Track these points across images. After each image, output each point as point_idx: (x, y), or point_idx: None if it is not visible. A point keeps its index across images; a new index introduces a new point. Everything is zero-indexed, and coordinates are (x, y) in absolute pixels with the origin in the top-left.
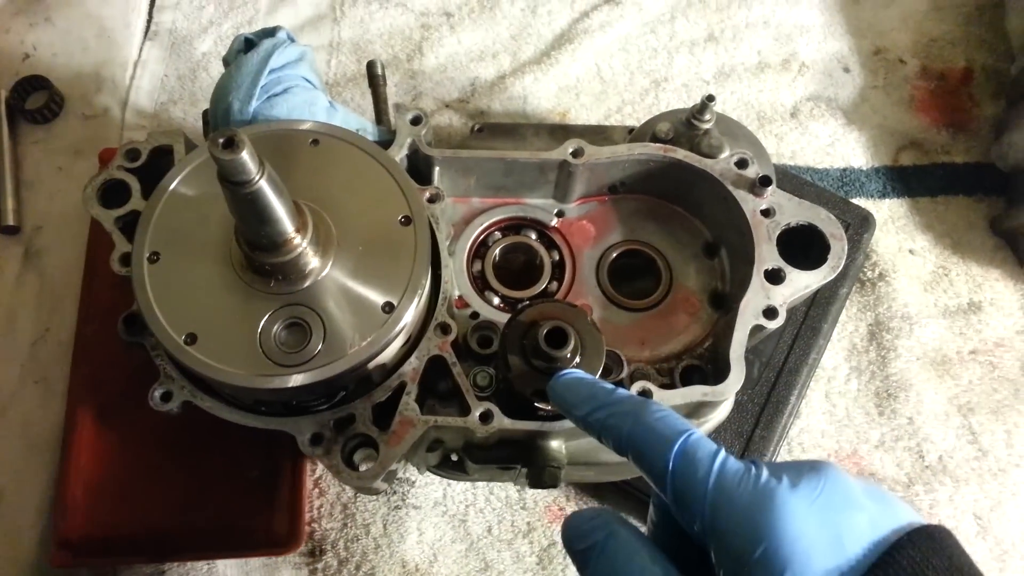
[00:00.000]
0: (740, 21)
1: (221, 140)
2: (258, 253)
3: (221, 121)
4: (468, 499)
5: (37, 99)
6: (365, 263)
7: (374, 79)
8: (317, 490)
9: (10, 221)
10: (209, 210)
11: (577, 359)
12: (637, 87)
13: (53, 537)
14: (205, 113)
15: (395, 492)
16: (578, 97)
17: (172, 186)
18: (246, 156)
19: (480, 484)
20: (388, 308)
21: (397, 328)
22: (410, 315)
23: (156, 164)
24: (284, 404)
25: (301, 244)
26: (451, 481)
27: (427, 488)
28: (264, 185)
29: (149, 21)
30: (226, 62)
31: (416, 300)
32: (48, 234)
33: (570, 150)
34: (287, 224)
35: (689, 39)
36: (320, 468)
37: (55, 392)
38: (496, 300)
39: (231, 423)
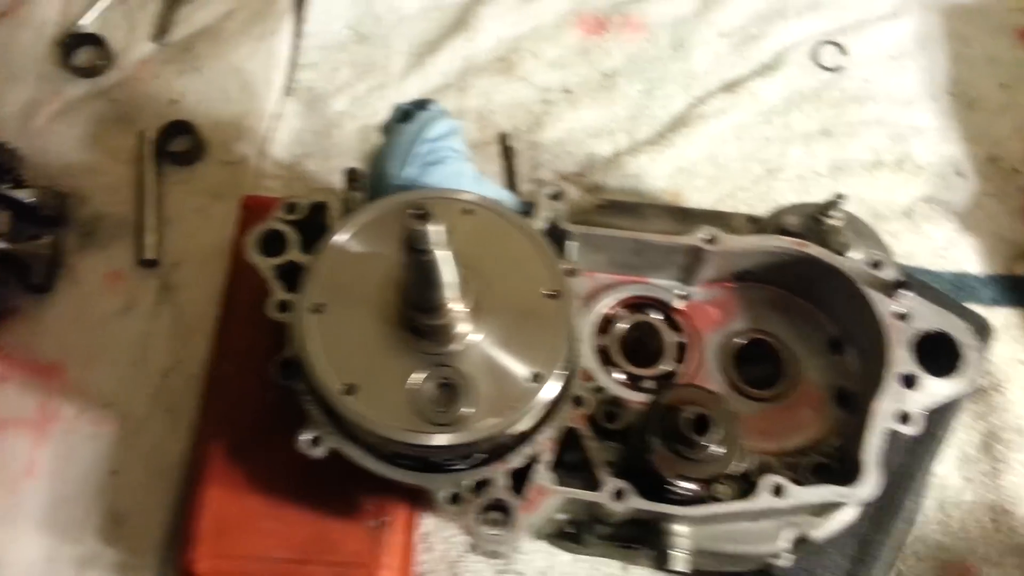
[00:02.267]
0: (854, 118)
1: (416, 212)
2: (419, 314)
3: (377, 183)
4: (573, 571)
5: (181, 143)
6: (513, 332)
7: (508, 151)
8: (424, 545)
9: (151, 255)
10: (371, 267)
11: (720, 448)
12: (750, 174)
13: (179, 565)
14: (350, 172)
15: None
16: (691, 179)
17: (337, 242)
18: (436, 228)
19: (586, 558)
20: (535, 379)
21: (543, 399)
22: (555, 387)
23: (313, 218)
24: (422, 460)
25: (458, 309)
26: (559, 551)
27: (534, 555)
28: (443, 254)
29: (289, 78)
30: (385, 129)
31: (561, 373)
32: (185, 271)
33: (705, 236)
34: (452, 290)
35: (803, 131)
36: (427, 525)
37: (182, 423)
38: (619, 375)
39: (358, 470)
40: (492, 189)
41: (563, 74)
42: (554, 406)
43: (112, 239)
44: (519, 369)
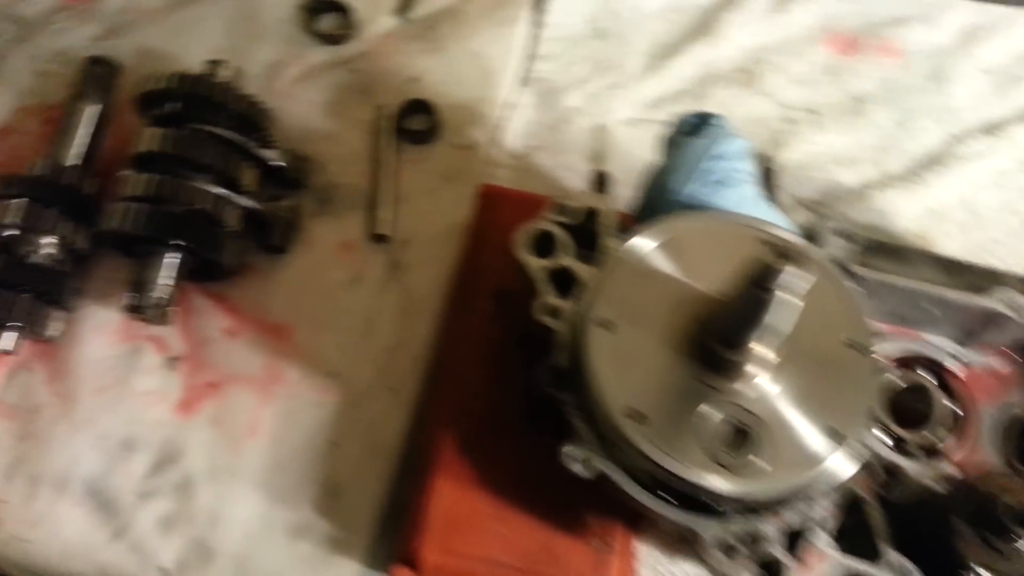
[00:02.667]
0: None
1: (779, 249)
2: (721, 347)
3: (655, 195)
4: None
5: (419, 121)
6: (812, 381)
7: (769, 174)
8: None
9: (384, 231)
10: (661, 287)
11: None
12: (1007, 226)
13: (400, 551)
14: (599, 175)
15: None
16: (941, 223)
17: (627, 256)
18: (798, 274)
19: None
20: (832, 435)
21: (842, 459)
22: (854, 447)
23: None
24: (689, 498)
25: (765, 353)
26: None
27: None
28: (787, 300)
29: (525, 68)
30: (669, 140)
31: (864, 433)
32: (414, 250)
33: (1009, 302)
34: (774, 337)
35: None
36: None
37: (403, 402)
38: (885, 437)
39: (587, 485)
40: (779, 218)
41: (808, 92)
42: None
43: (345, 209)
44: (816, 423)
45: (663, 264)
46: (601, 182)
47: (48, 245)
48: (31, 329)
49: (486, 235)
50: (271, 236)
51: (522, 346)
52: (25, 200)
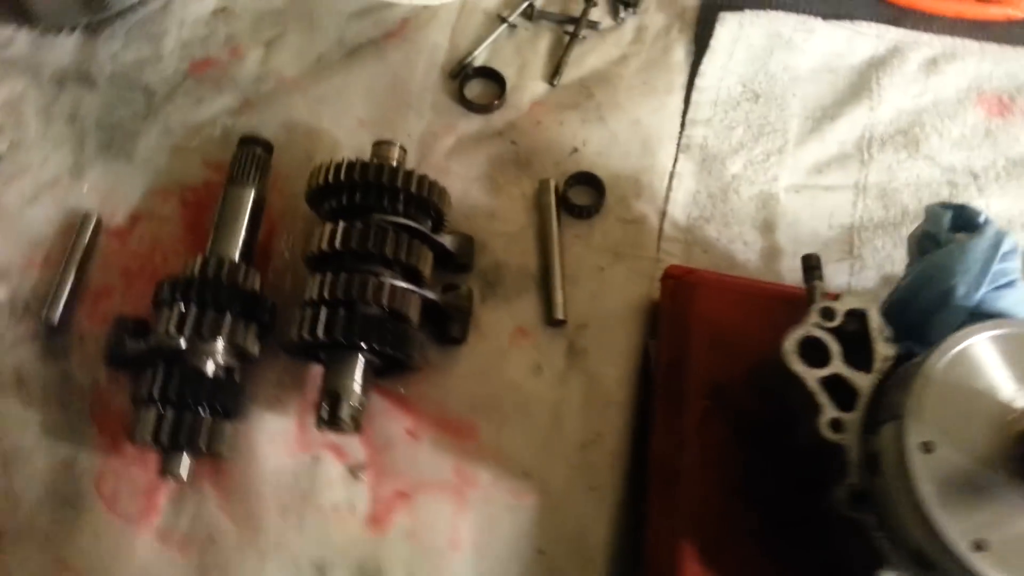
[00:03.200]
0: None
1: None
2: None
3: (937, 301)
4: None
5: (583, 195)
6: None
7: (809, 271)
8: None
9: (560, 315)
10: (981, 404)
11: None
12: None
13: None
14: (806, 258)
15: None
16: None
17: (934, 370)
18: None
19: None
20: None
21: None
22: None
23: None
24: None
25: None
26: None
27: None
28: None
29: (681, 133)
30: (930, 236)
31: None
32: (591, 334)
33: None
34: None
35: None
36: None
37: (606, 503)
38: None
39: None
40: None
41: (968, 156)
42: None
43: (515, 292)
44: None
45: (979, 377)
46: (813, 267)
47: (219, 353)
48: (206, 449)
49: (683, 323)
50: (450, 328)
51: (745, 446)
52: (194, 307)
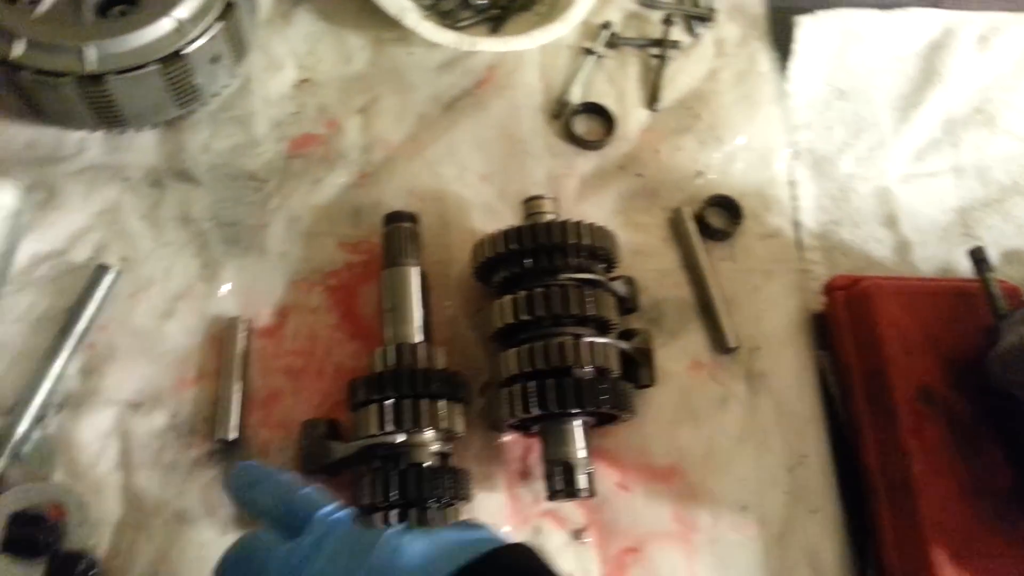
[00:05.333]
0: None
1: None
2: None
3: None
4: None
5: (718, 217)
6: None
7: (980, 266)
8: None
9: (733, 343)
10: None
11: None
12: None
13: None
14: (973, 252)
15: None
16: None
17: None
18: None
19: None
20: None
21: None
22: None
23: None
24: None
25: None
26: None
27: None
28: None
29: (789, 141)
30: None
31: None
32: (765, 356)
33: None
34: None
35: None
36: None
37: (830, 523)
38: None
39: None
40: None
41: None
42: None
43: (679, 326)
44: None
45: None
46: (981, 260)
47: (433, 441)
48: None
49: (871, 332)
50: (639, 374)
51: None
52: (403, 400)
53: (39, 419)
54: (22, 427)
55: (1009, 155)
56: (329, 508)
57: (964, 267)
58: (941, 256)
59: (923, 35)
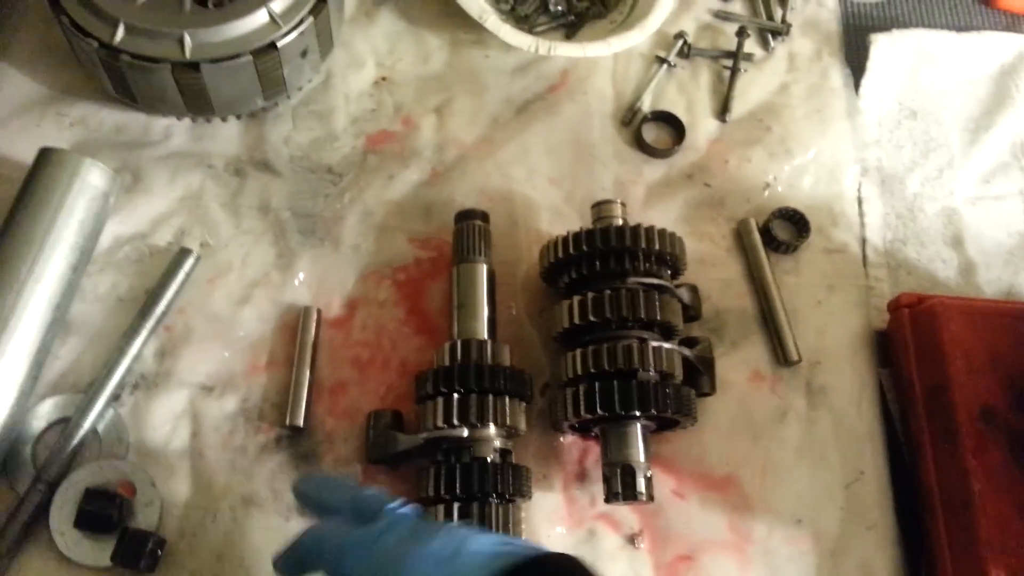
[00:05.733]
0: None
1: None
2: None
3: None
4: None
5: (785, 230)
6: None
7: None
8: None
9: (794, 356)
10: None
11: None
12: None
13: None
14: None
15: None
16: None
17: None
18: None
19: None
20: None
21: None
22: None
23: None
24: None
25: None
26: None
27: None
28: None
29: (859, 157)
30: None
31: None
32: (826, 370)
33: None
34: None
35: None
36: None
37: (885, 541)
38: None
39: None
40: None
41: None
42: None
43: (740, 336)
44: None
45: None
46: None
47: (496, 437)
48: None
49: (935, 350)
50: (700, 382)
51: None
52: (469, 394)
53: (115, 398)
54: (98, 405)
55: None
56: (397, 503)
57: None
58: (1006, 279)
59: (996, 59)
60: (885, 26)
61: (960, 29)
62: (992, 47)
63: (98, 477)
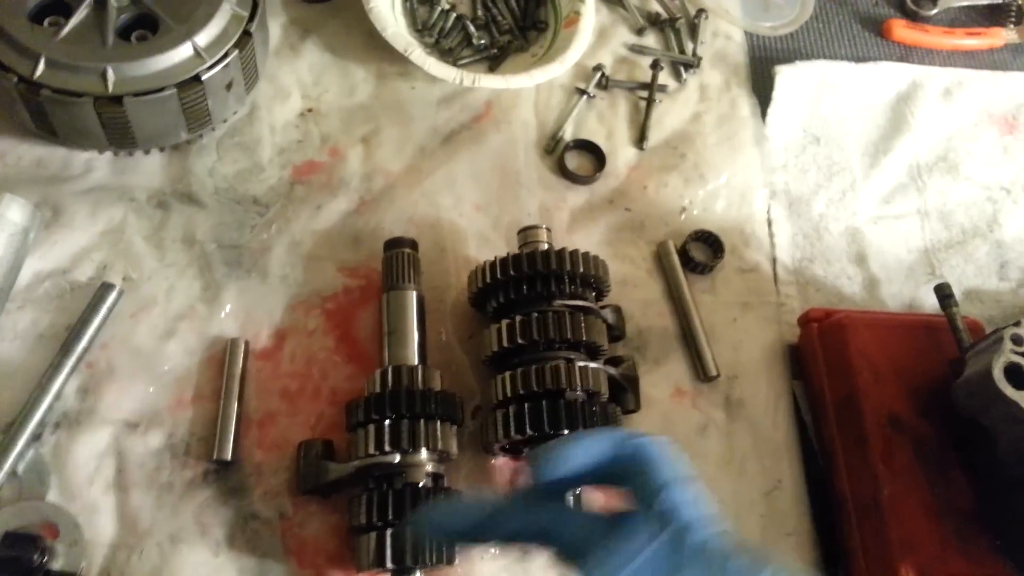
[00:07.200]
0: None
1: None
2: None
3: None
4: None
5: (701, 251)
6: None
7: (946, 302)
8: None
9: (713, 372)
10: None
11: None
12: None
13: None
14: (939, 288)
15: None
16: None
17: None
18: None
19: None
20: None
21: None
22: None
23: None
24: None
25: None
26: None
27: None
28: None
29: (766, 181)
30: None
31: None
32: (742, 385)
33: None
34: None
35: None
36: None
37: (804, 546)
38: None
39: None
40: None
41: (995, 173)
42: None
43: (662, 354)
44: None
45: None
46: (947, 296)
47: (427, 462)
48: (435, 561)
49: (843, 362)
50: (625, 399)
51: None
52: (400, 420)
53: (36, 437)
54: (19, 445)
55: (970, 200)
56: None
57: (929, 303)
58: (907, 293)
59: (892, 87)
60: (789, 58)
61: (859, 60)
62: (888, 76)
63: (18, 519)
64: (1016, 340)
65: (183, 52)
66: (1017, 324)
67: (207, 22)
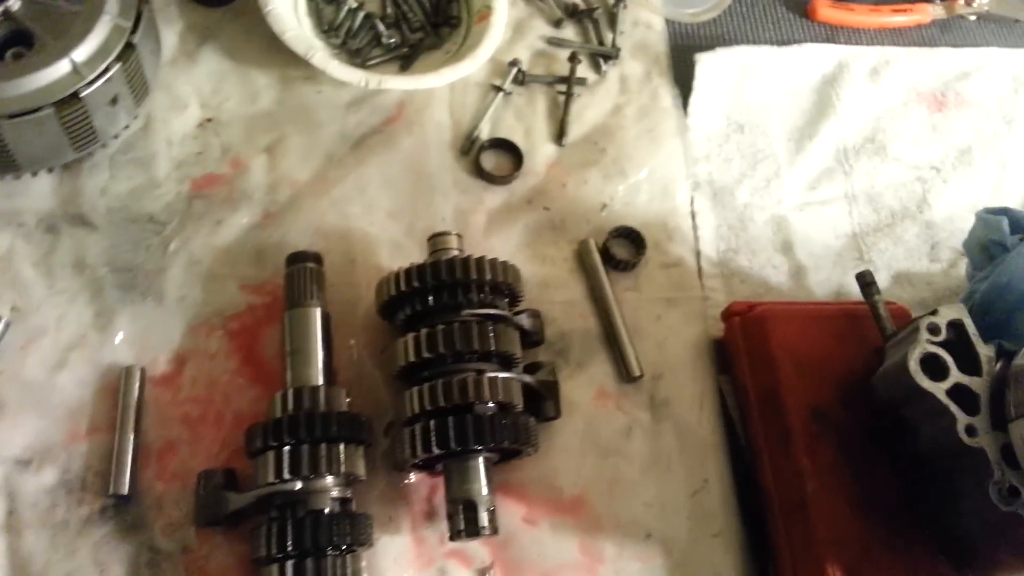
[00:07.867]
0: None
1: None
2: None
3: (1020, 299)
4: None
5: (623, 248)
6: None
7: (868, 289)
8: None
9: (636, 372)
10: None
11: None
12: None
13: None
14: (860, 276)
15: None
16: None
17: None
18: None
19: None
20: None
21: None
22: None
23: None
24: None
25: None
26: None
27: None
28: None
29: (690, 173)
30: (996, 242)
31: None
32: (667, 383)
33: None
34: None
35: None
36: None
37: (731, 547)
38: None
39: None
40: None
41: (925, 152)
42: None
43: (585, 356)
44: None
45: None
46: (869, 283)
47: (333, 487)
48: None
49: (765, 355)
50: (544, 407)
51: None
52: (301, 445)
53: None
54: None
55: (899, 181)
56: None
57: (858, 290)
58: (836, 279)
59: (817, 70)
60: (712, 45)
61: (783, 43)
62: (813, 59)
63: None
64: (932, 329)
65: (60, 69)
66: (934, 313)
67: (85, 36)
